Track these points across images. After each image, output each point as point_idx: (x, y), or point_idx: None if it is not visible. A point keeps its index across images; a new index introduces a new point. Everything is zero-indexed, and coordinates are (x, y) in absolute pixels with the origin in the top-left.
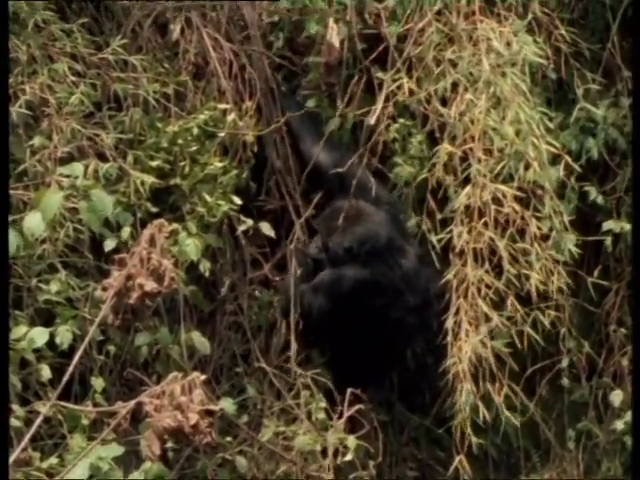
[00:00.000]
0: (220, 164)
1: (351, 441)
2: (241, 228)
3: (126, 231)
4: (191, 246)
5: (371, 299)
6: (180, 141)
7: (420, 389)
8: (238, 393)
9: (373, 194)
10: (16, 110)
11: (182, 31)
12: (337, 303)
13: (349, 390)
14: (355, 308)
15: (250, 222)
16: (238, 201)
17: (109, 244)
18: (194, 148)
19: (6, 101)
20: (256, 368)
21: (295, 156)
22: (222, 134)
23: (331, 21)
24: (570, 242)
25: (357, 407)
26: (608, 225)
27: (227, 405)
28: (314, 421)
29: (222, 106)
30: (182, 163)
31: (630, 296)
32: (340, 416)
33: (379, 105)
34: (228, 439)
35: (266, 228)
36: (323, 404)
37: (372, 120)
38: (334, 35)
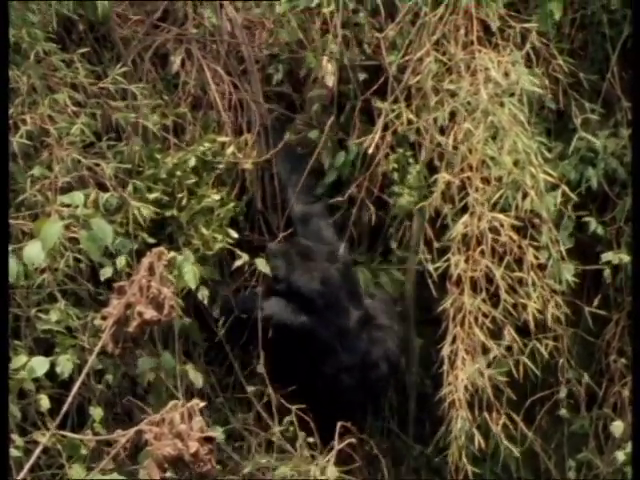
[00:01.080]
0: (217, 196)
1: (331, 471)
2: (237, 263)
3: (122, 259)
4: (189, 274)
5: (304, 346)
6: (178, 173)
7: (419, 418)
8: (223, 423)
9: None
10: (17, 140)
11: (182, 63)
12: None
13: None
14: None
15: (246, 257)
16: (234, 234)
17: (106, 272)
18: (192, 180)
19: (6, 129)
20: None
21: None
22: (221, 165)
23: (324, 60)
24: (568, 272)
25: (348, 440)
26: (607, 257)
27: (217, 434)
28: (298, 453)
29: (221, 139)
30: (180, 195)
31: (630, 326)
32: (330, 449)
33: (377, 133)
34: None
35: (261, 264)
36: (310, 439)
37: (370, 148)
38: (327, 74)
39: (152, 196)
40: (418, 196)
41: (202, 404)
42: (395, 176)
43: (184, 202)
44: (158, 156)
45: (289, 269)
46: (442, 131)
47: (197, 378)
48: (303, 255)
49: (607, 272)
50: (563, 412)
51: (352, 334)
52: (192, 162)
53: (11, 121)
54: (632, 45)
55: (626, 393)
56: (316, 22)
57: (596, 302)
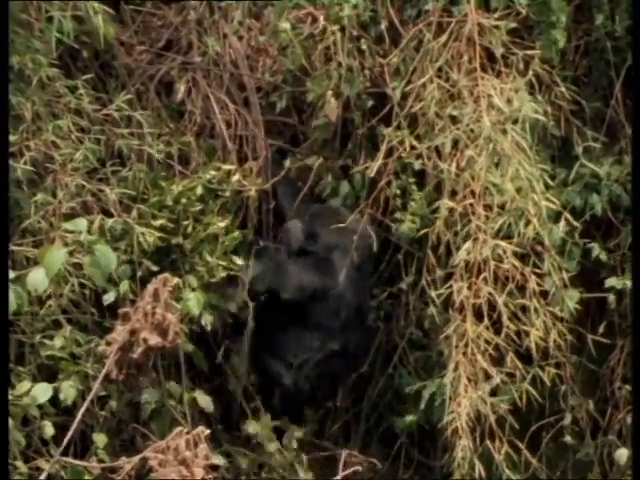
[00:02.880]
0: (222, 224)
1: None
2: None
3: (125, 284)
4: (193, 300)
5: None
6: (184, 200)
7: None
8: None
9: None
10: (21, 167)
11: (188, 91)
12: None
13: (345, 452)
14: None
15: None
16: (239, 262)
17: (109, 298)
18: (197, 208)
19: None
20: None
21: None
22: (226, 193)
23: (329, 94)
24: (572, 299)
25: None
26: (611, 282)
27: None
28: None
29: (226, 167)
30: (185, 222)
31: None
32: None
33: (379, 158)
34: None
35: None
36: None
37: (372, 172)
38: (331, 108)
39: (157, 223)
40: (421, 223)
41: (207, 431)
42: (398, 203)
43: (189, 229)
44: (163, 183)
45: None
46: (445, 157)
47: (207, 403)
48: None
49: (611, 298)
50: (568, 439)
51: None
52: (199, 190)
53: (15, 147)
54: (633, 73)
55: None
56: (319, 48)
57: (600, 329)
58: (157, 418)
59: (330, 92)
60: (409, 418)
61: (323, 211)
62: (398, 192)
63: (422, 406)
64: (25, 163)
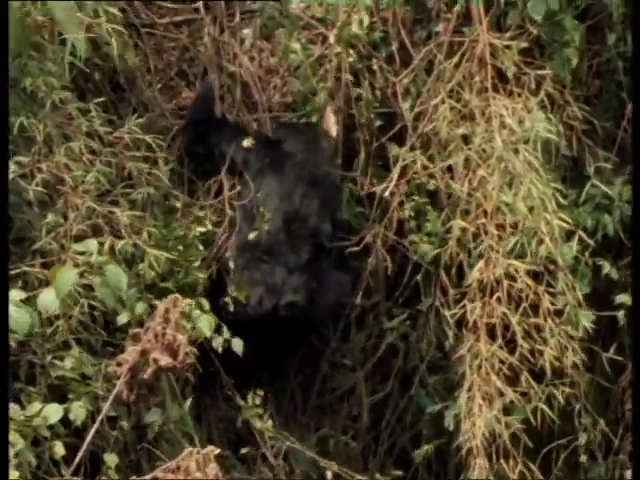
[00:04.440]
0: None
1: None
2: None
3: (138, 306)
4: (204, 322)
5: None
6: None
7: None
8: None
9: None
10: (32, 188)
11: None
12: None
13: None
14: None
15: None
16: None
17: (122, 319)
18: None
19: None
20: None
21: None
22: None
23: (329, 110)
24: (585, 318)
25: None
26: (621, 298)
27: None
28: None
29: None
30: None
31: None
32: None
33: (394, 178)
34: None
35: None
36: None
37: (386, 193)
38: (331, 124)
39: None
40: (437, 243)
41: (217, 451)
42: (412, 224)
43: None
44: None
45: None
46: (457, 177)
47: None
48: None
49: (621, 314)
50: (583, 459)
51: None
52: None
53: (27, 169)
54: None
55: None
56: (328, 68)
57: (613, 349)
58: (166, 439)
59: (329, 108)
60: (425, 448)
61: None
62: (412, 214)
63: (450, 427)
64: (37, 185)
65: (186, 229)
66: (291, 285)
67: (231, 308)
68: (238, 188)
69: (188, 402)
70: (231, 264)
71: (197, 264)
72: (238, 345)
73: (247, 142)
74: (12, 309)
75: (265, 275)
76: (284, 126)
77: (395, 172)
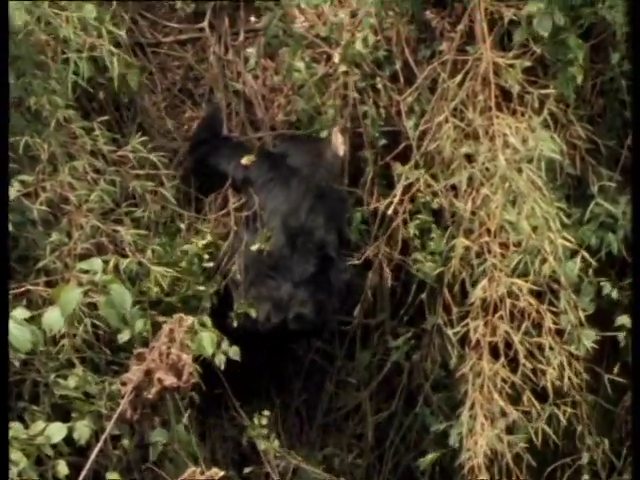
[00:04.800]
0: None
1: None
2: None
3: (140, 323)
4: (207, 339)
5: None
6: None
7: None
8: None
9: None
10: (37, 208)
11: None
12: None
13: None
14: None
15: None
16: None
17: (123, 336)
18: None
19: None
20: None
21: None
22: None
23: (336, 129)
24: (588, 338)
25: None
26: (622, 320)
27: None
28: None
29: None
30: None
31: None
32: None
33: (397, 196)
34: None
35: None
36: None
37: (389, 210)
38: (338, 144)
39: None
40: (440, 262)
41: (221, 473)
42: (416, 242)
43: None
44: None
45: None
46: (460, 196)
47: None
48: None
49: (622, 335)
50: (586, 478)
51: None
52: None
53: (31, 188)
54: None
55: None
56: (334, 87)
57: (615, 369)
58: (169, 459)
59: (336, 127)
60: (430, 457)
61: (298, 137)
62: (417, 232)
63: (455, 444)
64: (41, 204)
65: (189, 243)
66: (298, 298)
67: (238, 323)
68: (242, 200)
69: (186, 419)
70: (238, 277)
71: (201, 279)
72: (236, 353)
73: (246, 160)
74: (15, 327)
75: (272, 290)
76: (288, 139)
77: (398, 189)
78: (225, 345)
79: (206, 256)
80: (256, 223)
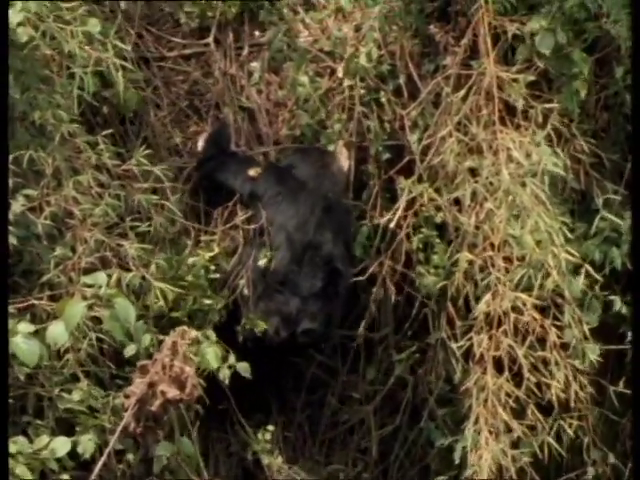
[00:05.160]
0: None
1: None
2: None
3: (146, 338)
4: (211, 354)
5: None
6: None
7: None
8: None
9: None
10: (41, 222)
11: None
12: None
13: None
14: None
15: None
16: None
17: (129, 351)
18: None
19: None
20: None
21: None
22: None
23: (340, 144)
24: (592, 352)
25: None
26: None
27: None
28: None
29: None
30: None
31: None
32: None
33: (398, 211)
34: None
35: None
36: None
37: (392, 224)
38: (343, 158)
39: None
40: (444, 276)
41: None
42: (420, 256)
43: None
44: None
45: None
46: (464, 210)
47: None
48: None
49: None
50: None
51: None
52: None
53: (35, 203)
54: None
55: None
56: (339, 101)
57: (621, 382)
58: (171, 472)
59: (341, 142)
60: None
61: (304, 149)
62: (420, 246)
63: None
64: (45, 218)
65: (195, 255)
66: (307, 312)
67: (245, 336)
68: (249, 214)
69: (190, 432)
70: (245, 292)
71: (208, 292)
72: (246, 369)
73: (253, 171)
74: (20, 341)
75: (280, 304)
76: (294, 151)
77: (401, 203)
78: (232, 359)
79: (212, 267)
80: (263, 237)
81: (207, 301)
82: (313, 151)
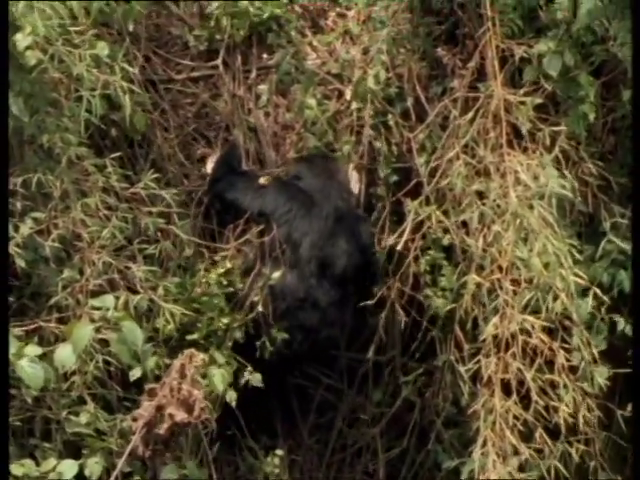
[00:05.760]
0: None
1: None
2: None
3: (152, 360)
4: (217, 376)
5: None
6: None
7: None
8: None
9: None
10: (49, 244)
11: None
12: None
13: None
14: None
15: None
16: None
17: (135, 373)
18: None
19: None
20: None
21: None
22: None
23: (351, 167)
24: (601, 375)
25: None
26: None
27: None
28: None
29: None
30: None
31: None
32: None
33: (405, 233)
34: None
35: None
36: None
37: (399, 246)
38: (353, 182)
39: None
40: (452, 298)
41: None
42: (428, 278)
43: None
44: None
45: None
46: (472, 233)
47: None
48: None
49: None
50: None
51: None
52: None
53: (43, 225)
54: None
55: None
56: (348, 124)
57: (629, 406)
58: None
59: (352, 165)
60: None
61: (308, 159)
62: (428, 268)
63: None
64: (53, 241)
65: (207, 275)
66: (326, 322)
67: (265, 351)
68: (260, 228)
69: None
70: (260, 308)
71: (226, 311)
72: (258, 380)
73: (264, 180)
74: (25, 365)
75: (303, 320)
76: (299, 162)
77: (407, 224)
78: (247, 375)
79: (225, 283)
80: (276, 253)
81: (224, 320)
82: (317, 159)
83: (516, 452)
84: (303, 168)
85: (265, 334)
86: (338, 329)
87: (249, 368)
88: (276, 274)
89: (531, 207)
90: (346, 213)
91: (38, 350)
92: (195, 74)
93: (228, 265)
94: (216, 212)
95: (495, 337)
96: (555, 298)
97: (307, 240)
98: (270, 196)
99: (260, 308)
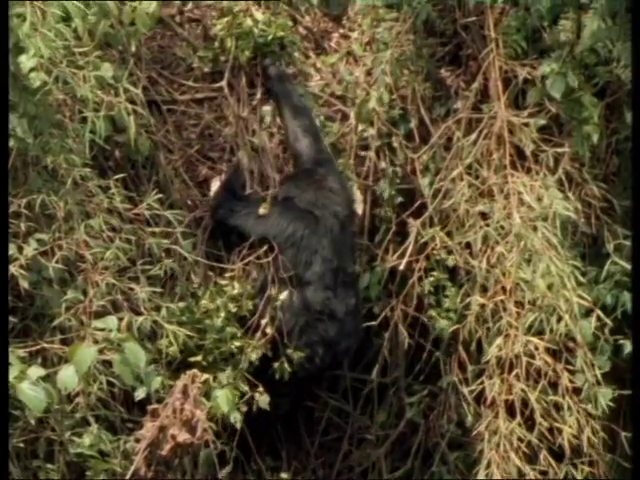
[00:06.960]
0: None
1: None
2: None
3: (157, 381)
4: (222, 397)
5: None
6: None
7: None
8: None
9: None
10: (52, 265)
11: None
12: None
13: None
14: None
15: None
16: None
17: (139, 394)
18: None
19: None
20: None
21: None
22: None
23: (355, 187)
24: (604, 396)
25: None
26: None
27: None
28: None
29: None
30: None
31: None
32: None
33: (407, 254)
34: None
35: None
36: None
37: (401, 266)
38: (357, 202)
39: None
40: (455, 319)
41: None
42: (431, 299)
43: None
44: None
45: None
46: (475, 254)
47: None
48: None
49: None
50: None
51: None
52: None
53: (47, 247)
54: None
55: None
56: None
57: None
58: None
59: (356, 185)
60: None
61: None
62: (432, 289)
63: None
64: (57, 262)
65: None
66: (344, 333)
67: (285, 374)
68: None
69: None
70: (271, 330)
71: (239, 334)
72: (265, 402)
73: (262, 209)
74: (27, 388)
75: (323, 332)
76: (284, 182)
77: (410, 243)
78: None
79: (233, 308)
80: (283, 275)
81: (237, 343)
82: (302, 175)
83: (520, 474)
84: (291, 187)
85: (283, 355)
86: (354, 339)
87: (259, 389)
88: (283, 295)
89: (535, 228)
90: (346, 219)
91: (41, 371)
92: (199, 95)
93: (236, 289)
94: (221, 236)
95: (499, 358)
96: (559, 319)
97: (317, 258)
98: (273, 221)
99: (270, 329)
